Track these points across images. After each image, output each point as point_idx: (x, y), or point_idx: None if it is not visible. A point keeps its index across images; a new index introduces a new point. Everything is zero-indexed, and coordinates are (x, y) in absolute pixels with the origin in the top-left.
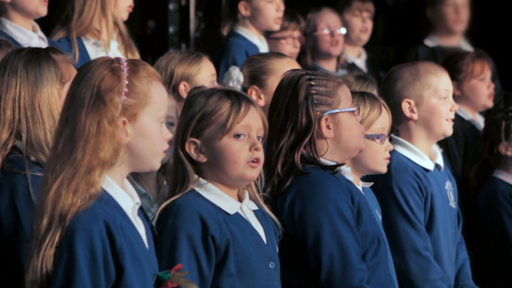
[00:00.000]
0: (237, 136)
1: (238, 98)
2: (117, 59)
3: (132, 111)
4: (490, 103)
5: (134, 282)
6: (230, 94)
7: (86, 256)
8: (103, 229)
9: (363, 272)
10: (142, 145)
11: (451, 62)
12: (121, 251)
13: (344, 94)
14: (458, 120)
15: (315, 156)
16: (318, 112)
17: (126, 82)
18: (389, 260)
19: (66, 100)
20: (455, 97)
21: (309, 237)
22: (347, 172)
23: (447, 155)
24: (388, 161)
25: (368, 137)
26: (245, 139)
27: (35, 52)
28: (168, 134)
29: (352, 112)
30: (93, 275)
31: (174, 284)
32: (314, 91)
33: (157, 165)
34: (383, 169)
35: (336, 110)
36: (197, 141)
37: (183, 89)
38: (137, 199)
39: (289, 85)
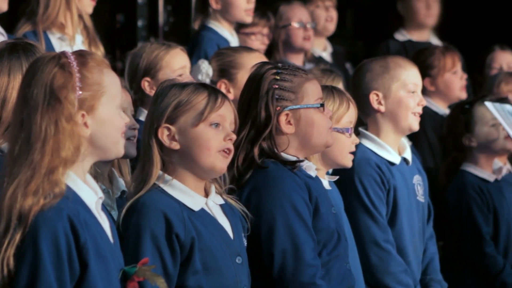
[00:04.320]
0: (213, 125)
1: (214, 90)
2: (63, 54)
3: (89, 104)
4: (464, 95)
5: (97, 278)
6: (206, 86)
7: (50, 253)
8: (67, 225)
9: (316, 268)
10: (104, 134)
11: (422, 59)
12: (85, 246)
13: (311, 90)
14: (434, 115)
15: (276, 151)
16: (278, 107)
17: (78, 76)
18: (350, 255)
19: (18, 103)
20: (430, 93)
21: (263, 231)
22: (309, 167)
23: (428, 149)
24: (352, 156)
25: (337, 130)
26: (220, 129)
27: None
28: (126, 119)
29: (318, 108)
30: (58, 271)
31: (140, 278)
32: (276, 86)
33: (122, 150)
34: (349, 163)
35: (297, 106)
36: (172, 127)
37: (147, 84)
38: (100, 193)
39: (255, 78)
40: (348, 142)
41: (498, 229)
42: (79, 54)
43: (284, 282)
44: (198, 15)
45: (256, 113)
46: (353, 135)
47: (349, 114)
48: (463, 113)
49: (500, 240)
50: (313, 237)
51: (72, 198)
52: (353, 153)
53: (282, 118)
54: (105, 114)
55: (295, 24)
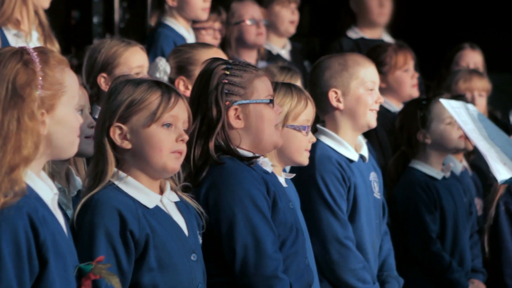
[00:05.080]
0: (166, 125)
1: (168, 89)
2: (25, 50)
3: (49, 103)
4: (415, 93)
5: (55, 276)
6: (159, 84)
7: (10, 251)
8: (27, 223)
9: (278, 261)
10: (60, 134)
11: (374, 56)
12: (44, 244)
13: (261, 86)
14: (385, 112)
15: (230, 146)
16: (228, 102)
17: (41, 74)
18: (308, 250)
19: None
20: (381, 90)
21: (223, 227)
22: (265, 163)
23: (378, 147)
24: (308, 154)
25: (294, 128)
26: (172, 129)
27: None
28: (81, 120)
29: (268, 104)
30: (17, 269)
31: (96, 276)
32: (226, 81)
33: (74, 151)
34: (305, 161)
35: (246, 101)
36: (124, 126)
37: (103, 80)
38: (55, 189)
39: (205, 73)
40: (304, 140)
41: (445, 227)
42: (41, 52)
43: (247, 276)
44: (154, 12)
45: (206, 108)
46: (310, 133)
47: (307, 112)
48: (419, 108)
49: (446, 238)
50: (273, 230)
51: (29, 194)
52: (311, 151)
53: (231, 113)
54: (63, 114)
55: (247, 21)
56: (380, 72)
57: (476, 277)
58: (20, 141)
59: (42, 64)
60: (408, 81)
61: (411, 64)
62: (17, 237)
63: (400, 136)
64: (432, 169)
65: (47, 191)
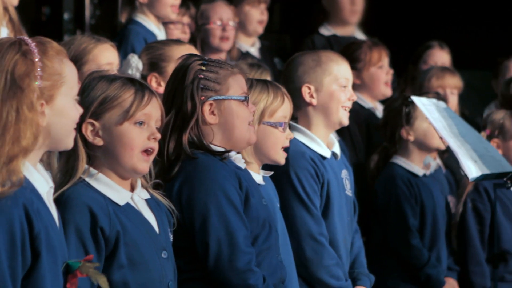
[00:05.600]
0: (138, 123)
1: (141, 87)
2: (23, 41)
3: (48, 93)
4: (388, 92)
5: (46, 270)
6: (133, 81)
7: (5, 241)
8: (22, 214)
9: (251, 255)
10: (60, 125)
11: (349, 52)
12: (38, 236)
13: (236, 83)
14: (359, 108)
15: (203, 141)
16: (203, 97)
17: (40, 65)
18: (284, 249)
19: None
20: (355, 86)
21: (197, 222)
22: (238, 158)
23: (350, 143)
24: (285, 153)
25: (271, 124)
26: (144, 128)
27: None
28: (80, 110)
29: (242, 102)
30: (11, 260)
31: (83, 274)
32: (202, 76)
33: (71, 143)
34: (281, 160)
35: (221, 97)
36: (96, 123)
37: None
38: (51, 183)
39: (181, 69)
40: (281, 137)
41: (424, 223)
42: (39, 42)
43: (221, 271)
44: (125, 8)
45: (181, 102)
46: (288, 130)
47: (284, 109)
48: (405, 105)
49: (425, 234)
50: (246, 225)
51: (25, 185)
52: (286, 149)
53: (206, 108)
54: (63, 104)
55: (213, 24)
56: (355, 68)
57: (450, 275)
58: (19, 132)
59: (40, 55)
60: (383, 78)
61: (385, 61)
62: (12, 227)
63: (384, 132)
64: (414, 165)
65: (43, 184)
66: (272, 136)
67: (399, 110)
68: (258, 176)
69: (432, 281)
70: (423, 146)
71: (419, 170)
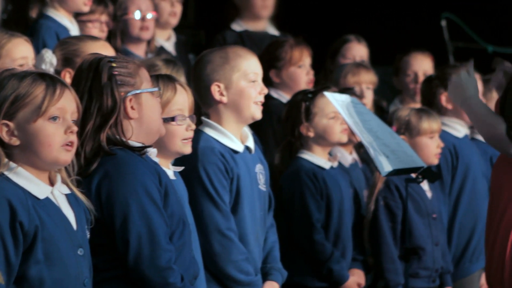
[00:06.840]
0: (52, 118)
1: (52, 81)
2: None
3: None
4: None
5: None
6: (44, 76)
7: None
8: None
9: (171, 252)
10: None
11: (271, 50)
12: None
13: (145, 76)
14: (279, 105)
15: (122, 138)
16: (123, 93)
17: None
18: (195, 243)
19: None
20: (276, 85)
21: (117, 218)
22: (153, 153)
23: (273, 140)
24: (189, 142)
25: (163, 120)
26: (60, 122)
27: None
28: None
29: (152, 93)
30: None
31: None
32: (116, 72)
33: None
34: (185, 150)
35: (140, 90)
36: (10, 123)
37: None
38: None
39: (90, 67)
40: (178, 130)
41: (330, 217)
42: None
43: (141, 268)
44: (35, 3)
45: (101, 101)
46: (187, 121)
47: (176, 102)
48: (304, 101)
49: (331, 228)
50: (166, 221)
51: None
52: (194, 142)
53: (127, 103)
54: None
55: (132, 14)
56: (275, 67)
57: (355, 266)
58: None
59: None
60: (303, 78)
61: (307, 60)
62: None
63: (286, 127)
64: (319, 158)
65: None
66: (166, 131)
67: (299, 106)
68: (169, 171)
69: (334, 276)
70: (324, 142)
71: (326, 163)
